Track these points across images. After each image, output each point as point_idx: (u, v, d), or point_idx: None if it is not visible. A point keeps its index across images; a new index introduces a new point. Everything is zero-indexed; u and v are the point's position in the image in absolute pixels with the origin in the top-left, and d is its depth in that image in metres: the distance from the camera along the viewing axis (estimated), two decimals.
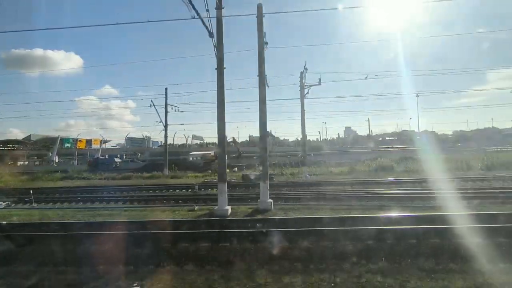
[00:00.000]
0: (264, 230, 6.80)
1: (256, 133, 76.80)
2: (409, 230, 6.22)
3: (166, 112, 28.37)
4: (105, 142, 50.35)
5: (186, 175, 24.82)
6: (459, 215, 7.37)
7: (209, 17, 9.09)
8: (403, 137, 68.20)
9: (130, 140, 73.63)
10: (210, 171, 27.48)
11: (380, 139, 69.11)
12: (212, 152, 35.01)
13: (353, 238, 5.93)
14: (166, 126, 28.55)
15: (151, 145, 77.43)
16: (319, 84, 19.64)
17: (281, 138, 72.74)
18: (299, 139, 73.70)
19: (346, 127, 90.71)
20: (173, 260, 5.22)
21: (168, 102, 27.92)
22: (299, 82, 19.42)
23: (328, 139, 69.56)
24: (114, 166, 33.06)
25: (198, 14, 8.69)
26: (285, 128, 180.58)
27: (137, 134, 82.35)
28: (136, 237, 6.55)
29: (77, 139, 34.90)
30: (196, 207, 10.78)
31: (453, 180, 15.51)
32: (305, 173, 19.74)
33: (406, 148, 49.22)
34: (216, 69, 9.61)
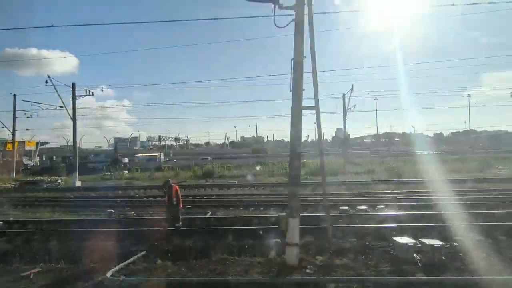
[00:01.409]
0: None
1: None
2: None
3: (15, 117, 28.78)
4: (44, 144, 51.33)
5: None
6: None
7: None
8: (382, 139, 63.17)
9: (118, 140, 78.49)
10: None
11: (358, 141, 64.48)
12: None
13: None
14: (14, 131, 29.23)
15: (138, 146, 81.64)
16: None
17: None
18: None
19: (337, 129, 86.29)
20: None
21: None
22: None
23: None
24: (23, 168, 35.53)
25: None
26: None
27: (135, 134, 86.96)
28: None
29: (6, 140, 37.46)
30: None
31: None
32: (74, 180, 19.39)
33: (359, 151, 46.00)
34: None
